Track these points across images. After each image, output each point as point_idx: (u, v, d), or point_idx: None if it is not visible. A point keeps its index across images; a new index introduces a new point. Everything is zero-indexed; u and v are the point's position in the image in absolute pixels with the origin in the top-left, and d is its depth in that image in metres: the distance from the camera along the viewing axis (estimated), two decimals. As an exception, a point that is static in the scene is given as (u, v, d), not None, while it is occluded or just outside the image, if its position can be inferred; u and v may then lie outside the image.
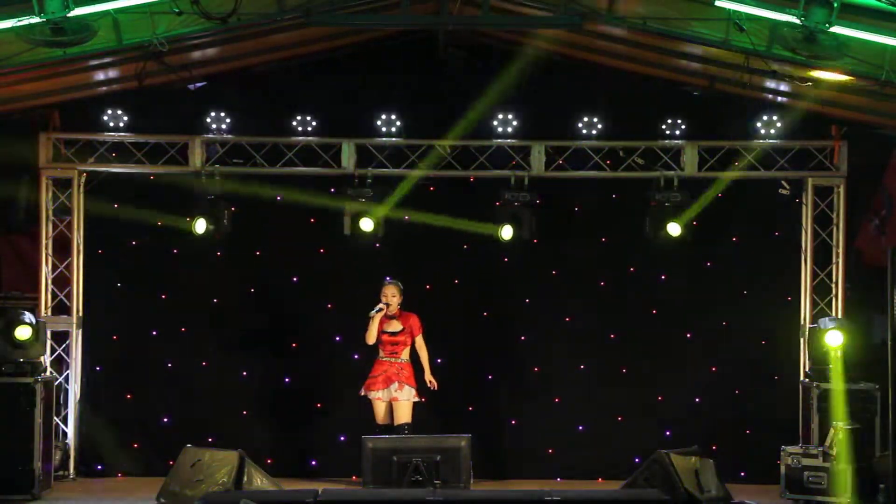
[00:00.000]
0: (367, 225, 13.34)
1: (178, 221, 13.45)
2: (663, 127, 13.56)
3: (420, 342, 12.40)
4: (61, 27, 10.18)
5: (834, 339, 12.75)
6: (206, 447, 11.96)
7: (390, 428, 12.19)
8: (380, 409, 12.27)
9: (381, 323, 12.32)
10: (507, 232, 13.41)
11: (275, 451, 13.42)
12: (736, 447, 13.55)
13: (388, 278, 12.47)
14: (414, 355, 12.41)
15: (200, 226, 13.27)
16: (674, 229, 13.35)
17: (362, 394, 12.36)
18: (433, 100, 13.68)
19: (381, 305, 12.29)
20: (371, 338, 12.32)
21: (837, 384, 12.61)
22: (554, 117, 13.68)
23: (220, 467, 11.59)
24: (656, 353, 13.86)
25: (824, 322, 12.98)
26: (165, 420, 13.73)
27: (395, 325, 12.34)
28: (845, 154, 13.54)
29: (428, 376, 12.40)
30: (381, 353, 12.35)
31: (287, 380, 13.85)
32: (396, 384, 12.20)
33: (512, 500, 10.67)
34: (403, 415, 12.18)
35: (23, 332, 12.39)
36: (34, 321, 12.57)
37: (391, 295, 12.31)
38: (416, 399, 12.29)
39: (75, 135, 13.51)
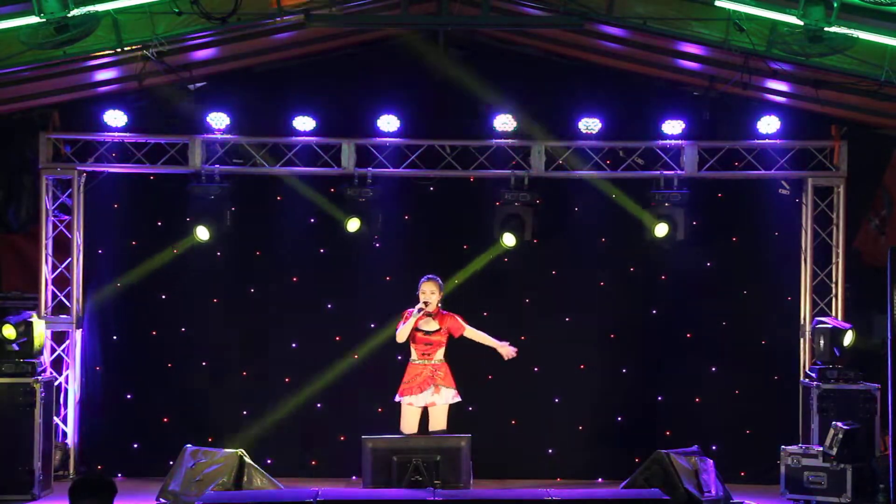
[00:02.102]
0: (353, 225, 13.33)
1: (178, 221, 13.47)
2: (663, 127, 13.56)
3: (472, 332, 11.65)
4: (64, 24, 10.19)
5: (847, 339, 12.83)
6: (206, 447, 11.96)
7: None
8: (411, 417, 11.45)
9: (416, 320, 11.49)
10: (508, 239, 13.39)
11: (275, 451, 13.41)
12: (736, 447, 13.56)
13: (427, 276, 11.61)
14: (450, 355, 11.74)
15: (202, 233, 13.28)
16: (661, 230, 13.39)
17: (396, 399, 11.57)
18: (433, 100, 13.69)
19: (420, 305, 11.40)
20: (402, 335, 11.46)
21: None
22: (554, 117, 13.69)
23: (220, 467, 11.60)
24: (656, 353, 13.87)
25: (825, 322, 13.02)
26: (165, 420, 13.73)
27: (432, 324, 11.50)
28: (845, 154, 13.53)
29: (504, 346, 11.65)
30: (414, 355, 11.55)
31: (287, 380, 13.84)
32: (432, 388, 11.42)
33: (512, 500, 10.67)
34: (439, 421, 11.42)
35: (8, 332, 12.38)
36: (27, 319, 12.56)
37: (430, 292, 11.42)
38: (457, 399, 11.54)
39: (75, 135, 13.51)
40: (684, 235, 13.50)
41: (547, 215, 13.63)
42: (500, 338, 11.82)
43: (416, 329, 11.51)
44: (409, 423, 11.47)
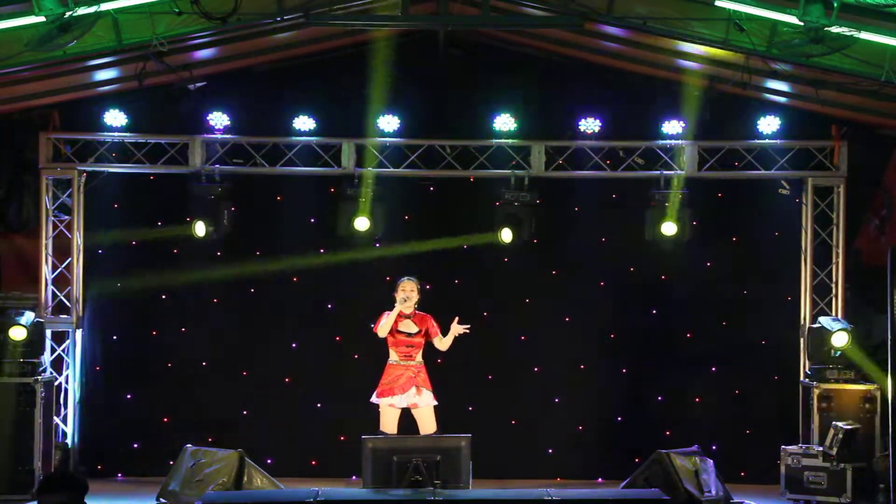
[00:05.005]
0: (361, 224, 13.33)
1: (178, 221, 13.47)
2: (663, 127, 13.56)
3: (439, 342, 11.49)
4: (64, 22, 10.20)
5: (839, 341, 12.76)
6: (206, 447, 11.96)
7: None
8: (390, 418, 11.34)
9: (396, 321, 11.39)
10: (506, 235, 13.41)
11: (275, 451, 13.41)
12: (736, 447, 13.56)
13: (406, 276, 11.58)
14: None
15: (200, 228, 13.27)
16: (669, 228, 13.37)
17: (374, 400, 11.43)
18: (433, 100, 13.69)
19: (403, 296, 11.37)
20: (384, 330, 11.33)
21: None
22: (554, 117, 13.69)
23: (220, 467, 11.60)
24: (656, 353, 13.87)
25: (827, 321, 12.98)
26: (165, 420, 13.73)
27: (411, 326, 11.43)
28: (845, 154, 13.54)
29: (454, 329, 11.37)
30: (394, 356, 11.44)
31: (287, 380, 13.85)
32: (414, 389, 11.32)
33: (512, 500, 10.68)
34: (429, 424, 11.34)
35: (17, 333, 12.40)
36: (30, 321, 12.57)
37: (410, 290, 11.39)
38: (434, 403, 11.40)
39: (75, 135, 13.51)
40: (684, 235, 13.50)
41: (547, 215, 13.63)
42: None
43: (397, 331, 11.44)
44: (389, 424, 11.39)
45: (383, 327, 11.37)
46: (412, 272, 11.85)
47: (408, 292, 11.44)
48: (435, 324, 11.58)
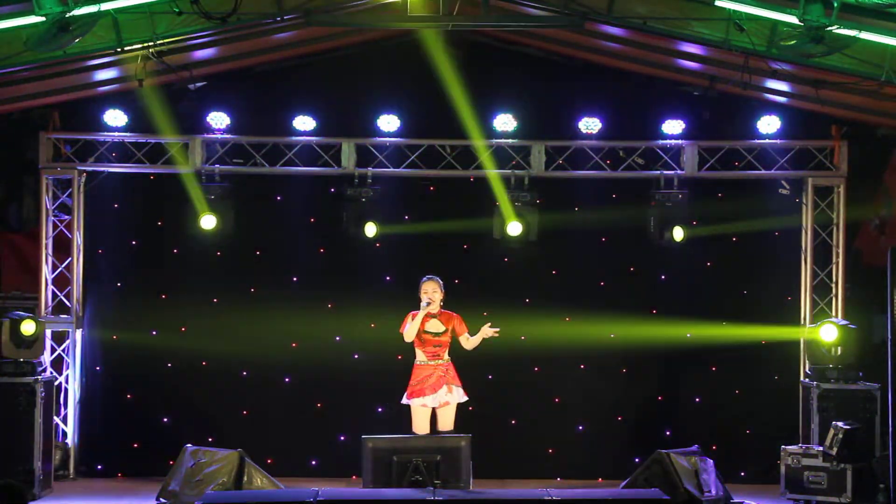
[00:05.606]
0: (370, 230, 13.35)
1: (179, 221, 13.48)
2: (663, 127, 13.57)
3: (466, 340, 11.43)
4: (64, 22, 10.21)
5: (828, 335, 12.78)
6: (206, 447, 11.97)
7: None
8: (423, 418, 11.31)
9: (423, 322, 11.34)
10: (513, 228, 13.42)
11: (275, 451, 13.41)
12: (736, 447, 13.57)
13: (427, 276, 11.50)
14: (454, 354, 11.61)
15: (208, 222, 13.27)
16: (678, 234, 13.39)
17: (405, 401, 11.37)
18: (433, 100, 13.68)
19: (427, 299, 11.29)
20: (411, 334, 11.28)
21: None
22: (554, 117, 13.69)
23: (220, 467, 11.61)
24: (656, 353, 13.87)
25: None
26: (165, 420, 13.73)
27: (438, 326, 11.37)
28: (845, 154, 13.54)
29: (485, 331, 11.34)
30: (422, 356, 11.37)
31: (287, 380, 13.85)
32: (446, 388, 11.29)
33: (512, 500, 10.68)
34: (448, 421, 11.34)
35: (28, 328, 12.43)
36: (35, 319, 12.63)
37: (432, 291, 11.32)
38: (464, 398, 11.47)
39: (75, 135, 13.52)
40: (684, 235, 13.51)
41: (547, 215, 13.63)
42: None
43: (423, 332, 11.39)
44: (421, 425, 11.34)
45: (409, 331, 11.33)
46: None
47: (430, 293, 11.39)
48: (462, 322, 11.53)
